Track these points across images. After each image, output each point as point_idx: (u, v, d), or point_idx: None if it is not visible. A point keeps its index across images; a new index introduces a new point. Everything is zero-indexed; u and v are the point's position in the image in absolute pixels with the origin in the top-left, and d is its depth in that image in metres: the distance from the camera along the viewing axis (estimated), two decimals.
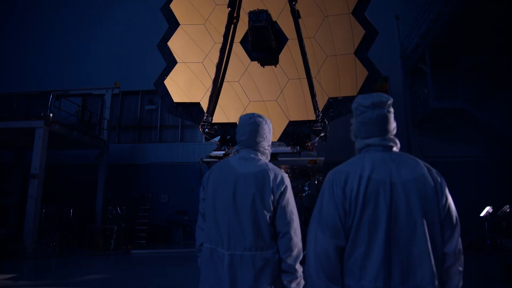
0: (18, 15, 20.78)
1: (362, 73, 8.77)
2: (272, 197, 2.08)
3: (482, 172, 14.92)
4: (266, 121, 2.31)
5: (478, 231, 11.91)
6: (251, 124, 2.26)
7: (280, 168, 8.73)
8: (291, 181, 7.77)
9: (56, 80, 17.99)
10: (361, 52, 8.99)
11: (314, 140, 8.66)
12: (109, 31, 19.09)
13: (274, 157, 8.26)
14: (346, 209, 1.59)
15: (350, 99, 8.69)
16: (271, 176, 2.12)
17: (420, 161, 1.68)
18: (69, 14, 20.09)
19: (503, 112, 14.76)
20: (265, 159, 2.31)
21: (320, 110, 8.33)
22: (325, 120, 8.30)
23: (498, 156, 14.66)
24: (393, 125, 1.75)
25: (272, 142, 8.55)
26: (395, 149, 1.73)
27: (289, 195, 2.12)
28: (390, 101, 1.77)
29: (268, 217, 2.06)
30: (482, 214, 8.12)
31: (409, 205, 1.55)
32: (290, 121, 8.67)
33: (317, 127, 8.30)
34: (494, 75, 15.00)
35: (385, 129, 1.72)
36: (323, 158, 8.27)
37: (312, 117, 8.42)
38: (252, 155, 2.25)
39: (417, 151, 15.60)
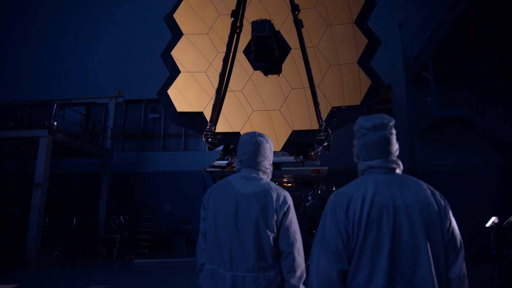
0: (21, 24, 20.97)
1: (366, 82, 8.76)
2: (275, 217, 2.06)
3: (485, 180, 14.81)
4: (267, 140, 2.29)
5: (483, 240, 11.79)
6: (252, 143, 2.24)
7: (283, 177, 8.73)
8: (294, 191, 7.74)
9: (60, 89, 18.11)
10: (364, 61, 8.98)
11: (318, 150, 8.63)
12: (112, 40, 19.22)
13: (277, 166, 8.23)
14: (349, 233, 1.57)
15: (354, 108, 8.69)
16: (274, 196, 2.10)
17: (424, 184, 1.66)
18: (73, 22, 20.25)
19: (507, 120, 14.69)
20: (266, 178, 2.29)
21: (324, 120, 8.30)
22: (329, 129, 8.26)
23: (502, 163, 14.55)
24: (395, 146, 1.73)
25: (275, 151, 8.53)
26: (398, 171, 1.71)
27: (292, 215, 2.11)
28: (392, 123, 1.75)
29: (271, 238, 2.04)
30: (487, 225, 8.04)
31: (412, 228, 1.53)
32: (293, 131, 8.66)
33: (321, 136, 8.26)
34: (497, 83, 14.96)
35: (387, 151, 1.70)
36: (326, 168, 8.22)
37: (315, 126, 8.39)
38: (254, 174, 2.23)
39: (421, 159, 15.54)
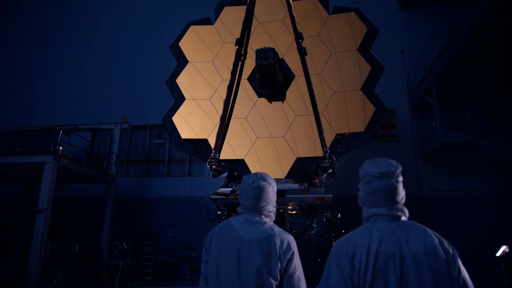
0: (28, 50, 21.42)
1: (370, 109, 8.77)
2: (279, 265, 1.99)
3: (493, 206, 14.60)
4: (270, 184, 2.22)
5: (494, 269, 11.51)
6: (255, 188, 2.18)
7: (288, 205, 8.64)
8: (299, 218, 7.62)
9: (66, 114, 18.32)
10: (368, 88, 9.02)
11: (322, 177, 8.56)
12: (118, 66, 19.55)
13: (282, 194, 8.17)
14: (355, 283, 1.52)
15: (358, 135, 8.67)
16: (278, 243, 2.03)
17: (430, 231, 1.61)
18: (79, 49, 20.67)
19: None
20: (269, 221, 2.22)
21: (328, 147, 8.27)
22: (333, 156, 8.22)
23: (509, 189, 14.36)
24: (401, 195, 1.68)
25: (280, 179, 8.49)
26: (403, 218, 1.66)
27: (297, 261, 2.04)
28: (399, 170, 1.71)
29: (274, 286, 1.97)
30: (498, 254, 7.86)
31: (420, 279, 1.48)
32: (298, 158, 8.62)
33: (325, 163, 8.21)
34: (501, 108, 14.96)
35: (393, 200, 1.65)
36: (331, 195, 8.15)
37: (320, 153, 8.36)
38: (257, 218, 2.18)
39: (427, 185, 15.39)
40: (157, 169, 17.86)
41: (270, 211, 2.24)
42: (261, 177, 2.22)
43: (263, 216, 2.20)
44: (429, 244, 1.55)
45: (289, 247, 2.04)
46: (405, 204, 1.71)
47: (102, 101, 18.90)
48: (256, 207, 2.18)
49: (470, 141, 13.80)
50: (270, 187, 2.22)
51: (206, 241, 2.20)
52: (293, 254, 2.04)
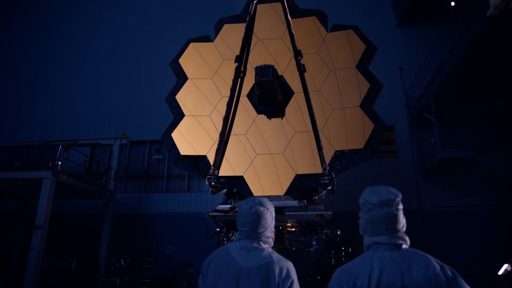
0: (28, 65, 21.55)
1: (369, 125, 8.78)
2: None
3: (494, 222, 14.53)
4: (268, 209, 2.19)
5: (497, 287, 11.39)
6: (252, 214, 2.15)
7: (287, 222, 8.58)
8: (298, 235, 7.56)
9: (66, 129, 18.35)
10: (367, 105, 9.05)
11: (322, 194, 8.52)
12: (118, 81, 19.65)
13: (280, 211, 8.12)
14: None
15: (357, 152, 8.66)
16: (276, 271, 1.99)
17: (432, 258, 1.59)
18: (79, 64, 20.80)
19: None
20: (268, 247, 2.19)
21: (327, 163, 8.26)
22: (332, 173, 8.21)
23: (509, 205, 14.31)
24: (402, 223, 1.67)
25: (279, 196, 8.45)
26: (404, 246, 1.64)
27: None
28: (399, 198, 1.70)
29: None
30: (500, 272, 7.78)
31: None
32: (297, 174, 8.59)
33: (324, 180, 8.19)
34: (500, 124, 15.00)
35: (394, 229, 1.64)
36: (330, 213, 8.10)
37: (319, 170, 8.34)
38: (255, 245, 2.13)
39: (427, 201, 15.34)
40: (156, 185, 17.80)
41: (268, 237, 2.20)
42: (258, 202, 2.19)
43: (261, 242, 2.16)
44: (431, 273, 1.53)
45: (288, 275, 2.01)
46: (406, 225, 1.69)
47: (102, 116, 18.94)
48: (254, 233, 2.14)
49: (469, 157, 13.81)
50: (268, 212, 2.19)
51: (203, 268, 2.15)
52: (292, 282, 2.00)
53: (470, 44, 11.28)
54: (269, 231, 2.20)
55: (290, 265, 2.06)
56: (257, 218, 2.14)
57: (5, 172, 12.83)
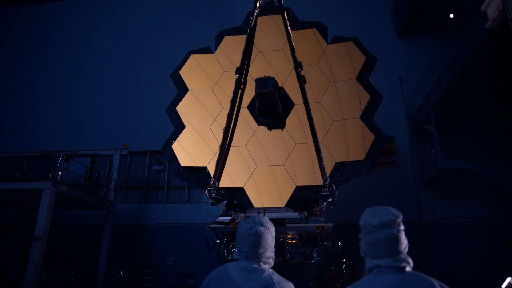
0: (29, 76, 21.65)
1: (369, 137, 8.77)
2: None
3: (495, 233, 14.46)
4: (268, 229, 2.17)
5: None
6: (253, 235, 2.12)
7: (288, 234, 8.53)
8: (299, 247, 7.51)
9: (66, 139, 18.35)
10: (367, 116, 9.06)
11: (322, 206, 8.49)
12: (119, 92, 19.71)
13: (281, 223, 8.07)
14: None
15: (358, 163, 8.64)
16: None
17: (436, 282, 1.57)
18: (80, 75, 20.89)
19: None
20: (268, 267, 2.16)
21: (328, 175, 8.23)
22: (333, 185, 8.17)
23: (510, 216, 14.26)
24: (404, 244, 1.65)
25: (279, 207, 8.41)
26: (408, 269, 1.62)
27: None
28: (400, 219, 1.68)
29: None
30: (503, 286, 7.71)
31: None
32: (297, 186, 8.56)
33: (325, 192, 8.15)
34: (500, 134, 15.01)
35: (396, 250, 1.62)
36: (331, 224, 8.05)
37: (319, 182, 8.31)
38: (255, 266, 2.10)
39: (428, 212, 15.28)
40: (156, 196, 17.76)
41: (268, 257, 2.17)
42: (259, 222, 2.16)
43: (261, 263, 2.13)
44: None
45: None
46: (408, 246, 1.67)
47: (102, 127, 18.98)
48: (254, 254, 2.12)
49: (470, 168, 13.80)
50: (269, 232, 2.16)
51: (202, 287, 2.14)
52: None
53: (469, 56, 11.35)
54: (270, 251, 2.17)
55: (291, 287, 2.04)
56: (258, 239, 2.12)
57: (5, 183, 12.81)
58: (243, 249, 2.15)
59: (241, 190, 8.71)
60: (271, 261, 2.19)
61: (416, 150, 16.15)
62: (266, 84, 8.51)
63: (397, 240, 1.63)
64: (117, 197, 16.23)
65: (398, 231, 1.65)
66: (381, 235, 1.63)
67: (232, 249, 8.46)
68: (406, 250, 1.65)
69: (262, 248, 2.13)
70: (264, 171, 8.74)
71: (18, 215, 15.96)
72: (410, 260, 1.63)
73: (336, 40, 10.03)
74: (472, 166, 13.79)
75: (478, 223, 14.71)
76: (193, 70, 10.23)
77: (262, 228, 2.14)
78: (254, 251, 2.12)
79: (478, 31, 10.53)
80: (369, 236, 1.67)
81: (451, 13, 13.90)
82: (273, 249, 2.20)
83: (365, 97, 9.18)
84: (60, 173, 12.81)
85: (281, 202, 8.47)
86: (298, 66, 8.98)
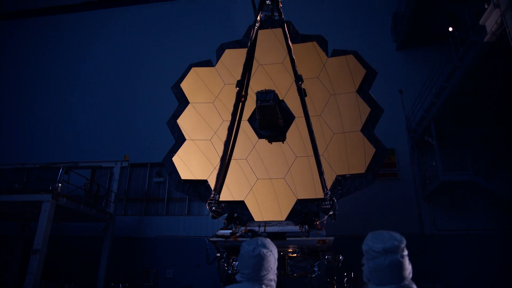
0: (30, 87, 21.74)
1: (370, 150, 8.77)
2: None
3: (498, 246, 14.35)
4: (271, 251, 2.15)
5: None
6: (255, 257, 2.11)
7: (288, 247, 8.46)
8: (300, 261, 7.43)
9: (67, 151, 18.36)
10: (368, 129, 9.07)
11: (323, 219, 8.44)
12: (119, 104, 19.77)
13: (282, 236, 8.02)
14: None
15: (359, 176, 8.62)
16: None
17: None
18: (81, 88, 20.97)
19: None
20: None
21: (329, 188, 8.20)
22: (334, 198, 8.13)
23: None
24: (408, 269, 1.63)
25: (280, 221, 8.37)
26: None
27: None
28: (403, 244, 1.66)
29: None
30: None
31: None
32: (298, 199, 8.54)
33: (326, 205, 8.10)
34: (501, 146, 15.01)
35: (400, 277, 1.60)
36: (332, 238, 7.99)
37: (320, 195, 8.27)
38: None
39: (429, 225, 15.19)
40: (156, 208, 17.69)
41: (271, 280, 2.15)
42: (262, 244, 2.14)
43: (263, 286, 2.11)
44: None
45: None
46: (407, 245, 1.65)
47: (103, 139, 18.99)
48: (257, 276, 2.10)
49: (472, 180, 13.75)
50: (272, 254, 2.14)
51: None
52: None
53: (468, 69, 11.41)
54: (272, 274, 2.15)
55: None
56: (260, 261, 2.10)
57: (4, 195, 12.79)
58: (245, 271, 2.13)
59: (241, 203, 8.69)
60: (273, 284, 2.16)
61: (417, 162, 16.13)
62: (267, 97, 8.54)
63: (401, 266, 1.61)
64: (117, 209, 16.17)
65: (402, 256, 1.63)
66: (385, 261, 1.60)
67: (232, 262, 8.39)
68: (411, 275, 1.63)
69: (264, 271, 2.11)
70: (264, 184, 8.72)
71: (17, 227, 15.88)
72: (414, 287, 1.61)
73: (336, 53, 10.10)
74: (473, 178, 13.76)
75: (480, 235, 14.61)
76: (194, 83, 10.28)
77: (265, 250, 2.12)
78: (256, 273, 2.10)
79: (477, 44, 10.59)
80: (372, 262, 1.64)
81: (450, 26, 13.99)
82: (276, 271, 2.18)
83: (366, 110, 9.20)
84: (60, 185, 12.78)
85: (282, 215, 8.43)
86: (298, 79, 9.00)
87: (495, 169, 15.14)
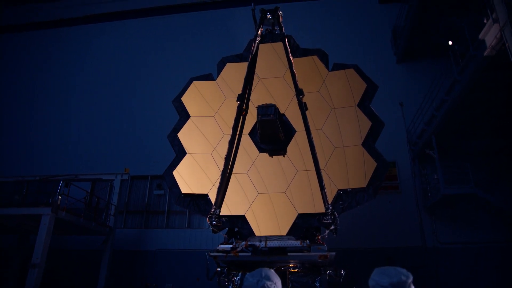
0: (29, 100, 21.82)
1: (371, 164, 8.74)
2: None
3: (501, 259, 14.25)
4: (275, 284, 2.14)
5: None
6: None
7: (290, 262, 8.39)
8: (301, 276, 7.36)
9: (67, 164, 18.34)
10: (369, 144, 9.03)
11: (325, 234, 8.38)
12: (120, 117, 19.81)
13: (283, 251, 7.95)
14: None
15: (360, 190, 8.58)
16: None
17: None
18: (81, 101, 21.04)
19: None
20: None
21: (330, 203, 8.15)
22: (335, 212, 8.09)
23: None
24: None
25: (281, 236, 8.30)
26: None
27: None
28: (410, 280, 1.64)
29: None
30: None
31: None
32: (299, 214, 8.47)
33: (327, 220, 8.05)
34: (502, 158, 15.00)
35: None
36: (334, 253, 7.91)
37: (321, 209, 8.22)
38: None
39: (431, 237, 15.09)
40: (157, 221, 17.60)
41: None
42: (266, 276, 2.12)
43: None
44: None
45: None
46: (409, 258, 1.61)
47: (103, 151, 18.99)
48: None
49: (473, 193, 13.71)
50: (276, 287, 2.13)
51: None
52: None
53: (468, 83, 11.45)
54: None
55: None
56: None
57: (4, 208, 12.74)
58: None
59: (242, 218, 8.62)
60: None
61: (418, 175, 16.10)
62: (268, 112, 8.54)
63: None
64: (117, 222, 16.08)
65: None
66: None
67: (232, 278, 8.31)
68: None
69: None
70: (265, 198, 8.67)
71: (15, 239, 15.78)
72: None
73: (337, 67, 10.13)
74: (474, 191, 13.71)
75: (482, 248, 14.52)
76: (195, 97, 10.30)
77: (269, 283, 2.09)
78: None
79: (477, 58, 10.65)
80: None
81: (450, 40, 14.09)
82: None
83: (366, 124, 9.18)
84: (60, 198, 12.74)
85: (283, 230, 8.37)
86: (299, 93, 9.02)
87: (496, 182, 15.10)
